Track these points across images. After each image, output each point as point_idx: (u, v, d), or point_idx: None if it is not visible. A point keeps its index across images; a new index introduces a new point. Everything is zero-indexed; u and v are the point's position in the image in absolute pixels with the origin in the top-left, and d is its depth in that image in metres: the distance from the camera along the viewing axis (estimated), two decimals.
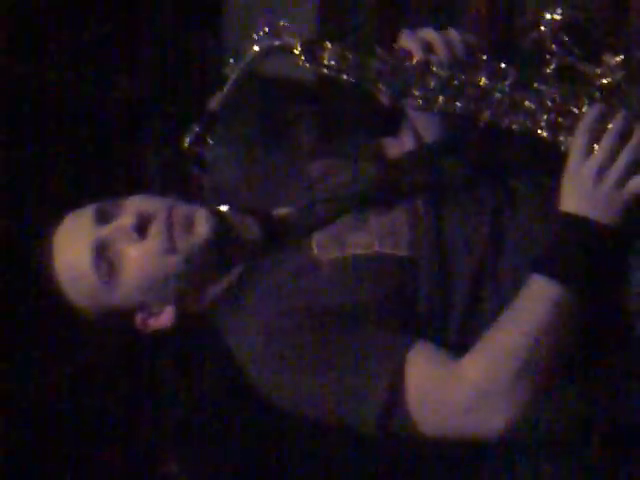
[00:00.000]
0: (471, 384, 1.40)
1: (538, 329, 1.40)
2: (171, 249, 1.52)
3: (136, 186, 2.06)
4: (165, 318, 1.57)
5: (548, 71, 1.50)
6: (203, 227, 1.53)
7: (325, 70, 1.47)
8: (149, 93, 2.36)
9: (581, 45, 1.51)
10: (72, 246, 1.56)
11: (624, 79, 1.49)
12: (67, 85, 2.31)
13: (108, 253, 1.53)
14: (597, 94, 1.49)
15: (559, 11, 1.50)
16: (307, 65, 1.47)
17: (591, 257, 1.43)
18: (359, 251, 1.52)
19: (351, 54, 1.47)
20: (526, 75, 1.50)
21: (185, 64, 2.43)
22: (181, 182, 1.72)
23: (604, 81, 1.49)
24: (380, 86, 1.48)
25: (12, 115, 2.21)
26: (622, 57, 1.49)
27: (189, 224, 1.53)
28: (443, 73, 1.48)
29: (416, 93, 1.48)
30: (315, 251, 1.54)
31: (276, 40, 1.47)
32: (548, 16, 1.49)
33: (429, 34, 1.50)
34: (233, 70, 1.47)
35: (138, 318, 1.58)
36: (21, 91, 2.24)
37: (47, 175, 2.21)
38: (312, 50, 1.47)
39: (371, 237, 1.53)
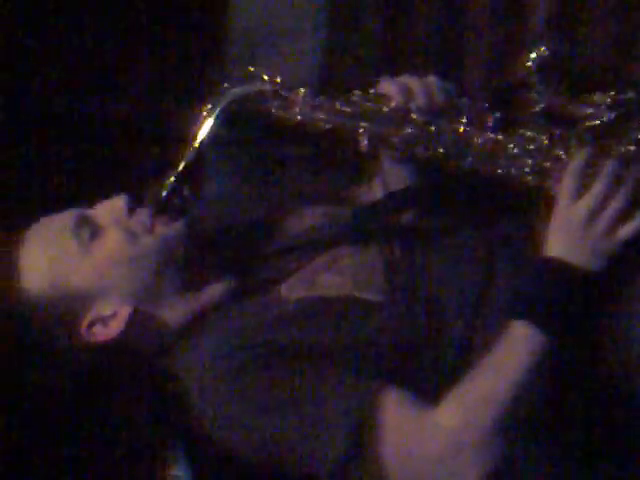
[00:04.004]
0: (446, 433, 1.31)
1: (518, 377, 1.33)
2: (148, 229, 1.48)
3: None
4: (115, 326, 1.46)
5: (534, 112, 1.45)
6: (183, 224, 1.50)
7: (299, 117, 1.42)
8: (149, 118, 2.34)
9: (570, 84, 1.45)
10: (49, 225, 1.50)
11: (616, 120, 1.43)
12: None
13: (90, 224, 1.48)
14: (587, 136, 1.43)
15: (545, 47, 1.44)
16: (280, 112, 1.43)
17: (576, 305, 1.36)
18: (328, 292, 1.45)
19: (326, 99, 1.43)
20: (510, 118, 1.45)
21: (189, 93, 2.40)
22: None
23: (595, 122, 1.43)
24: (358, 132, 1.43)
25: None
26: (613, 97, 1.43)
27: (174, 219, 1.49)
28: (421, 119, 1.42)
29: (394, 140, 1.44)
30: (282, 290, 1.47)
31: (249, 86, 1.42)
32: (533, 54, 1.44)
33: (408, 80, 1.45)
34: (209, 114, 1.43)
35: (85, 322, 1.46)
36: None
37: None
38: (285, 97, 1.43)
39: (344, 279, 1.47)
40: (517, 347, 1.35)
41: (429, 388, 1.39)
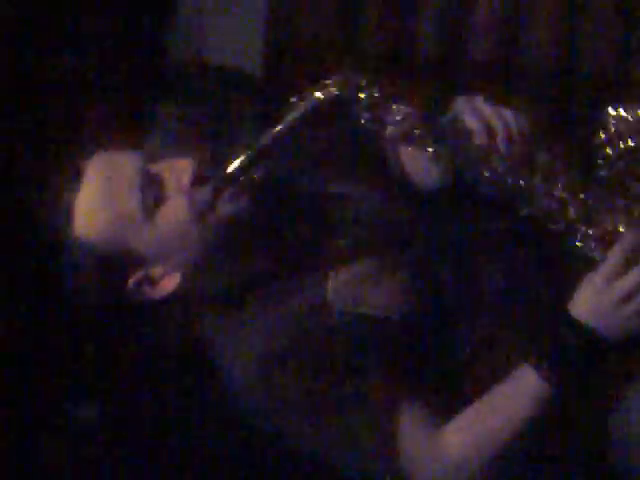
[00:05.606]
0: (448, 458, 1.48)
1: (519, 422, 1.47)
2: (211, 206, 1.48)
3: None
4: (164, 286, 1.50)
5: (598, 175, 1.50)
6: (246, 206, 1.50)
7: (384, 131, 1.45)
8: (94, 74, 2.35)
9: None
10: (114, 173, 1.48)
11: None
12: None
13: (156, 187, 1.48)
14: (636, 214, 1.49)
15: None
16: (366, 123, 1.44)
17: (589, 370, 1.46)
18: (375, 312, 1.53)
19: (412, 117, 1.46)
20: (574, 179, 1.49)
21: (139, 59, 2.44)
22: None
23: None
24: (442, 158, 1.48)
25: None
26: None
27: (236, 198, 1.49)
28: (500, 165, 1.47)
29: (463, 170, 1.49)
30: (330, 295, 1.53)
31: (350, 91, 1.44)
32: (614, 112, 1.47)
33: (492, 117, 1.52)
34: (292, 110, 1.43)
35: (134, 279, 1.50)
36: None
37: None
38: (376, 108, 1.45)
39: (388, 298, 1.54)
40: (523, 393, 1.47)
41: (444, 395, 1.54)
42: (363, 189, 1.65)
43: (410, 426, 1.48)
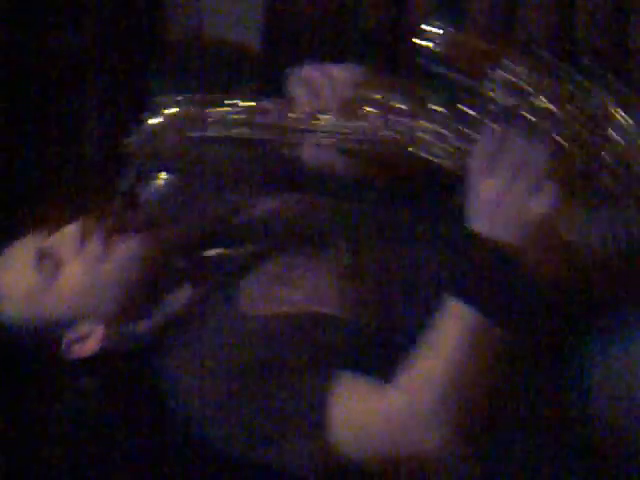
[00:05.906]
0: (394, 413, 1.41)
1: (455, 356, 1.39)
2: (105, 255, 1.59)
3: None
4: (91, 343, 1.61)
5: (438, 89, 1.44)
6: (137, 244, 1.60)
7: (211, 133, 1.47)
8: (91, 50, 2.43)
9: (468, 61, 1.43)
10: (13, 262, 1.65)
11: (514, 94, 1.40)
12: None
13: (50, 258, 1.61)
14: (495, 113, 1.41)
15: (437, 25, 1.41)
16: (192, 133, 1.48)
17: (501, 280, 1.38)
18: (288, 309, 1.54)
19: (235, 110, 1.47)
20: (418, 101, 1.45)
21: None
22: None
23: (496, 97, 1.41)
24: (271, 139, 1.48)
25: None
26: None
27: (128, 237, 1.60)
28: (331, 123, 1.45)
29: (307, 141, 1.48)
30: (244, 306, 1.56)
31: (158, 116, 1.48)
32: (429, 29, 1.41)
33: (315, 79, 1.50)
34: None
35: (64, 342, 1.62)
36: None
37: None
38: (198, 118, 1.47)
39: (299, 293, 1.55)
40: (449, 324, 1.40)
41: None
42: (261, 192, 1.70)
43: (348, 394, 1.45)
